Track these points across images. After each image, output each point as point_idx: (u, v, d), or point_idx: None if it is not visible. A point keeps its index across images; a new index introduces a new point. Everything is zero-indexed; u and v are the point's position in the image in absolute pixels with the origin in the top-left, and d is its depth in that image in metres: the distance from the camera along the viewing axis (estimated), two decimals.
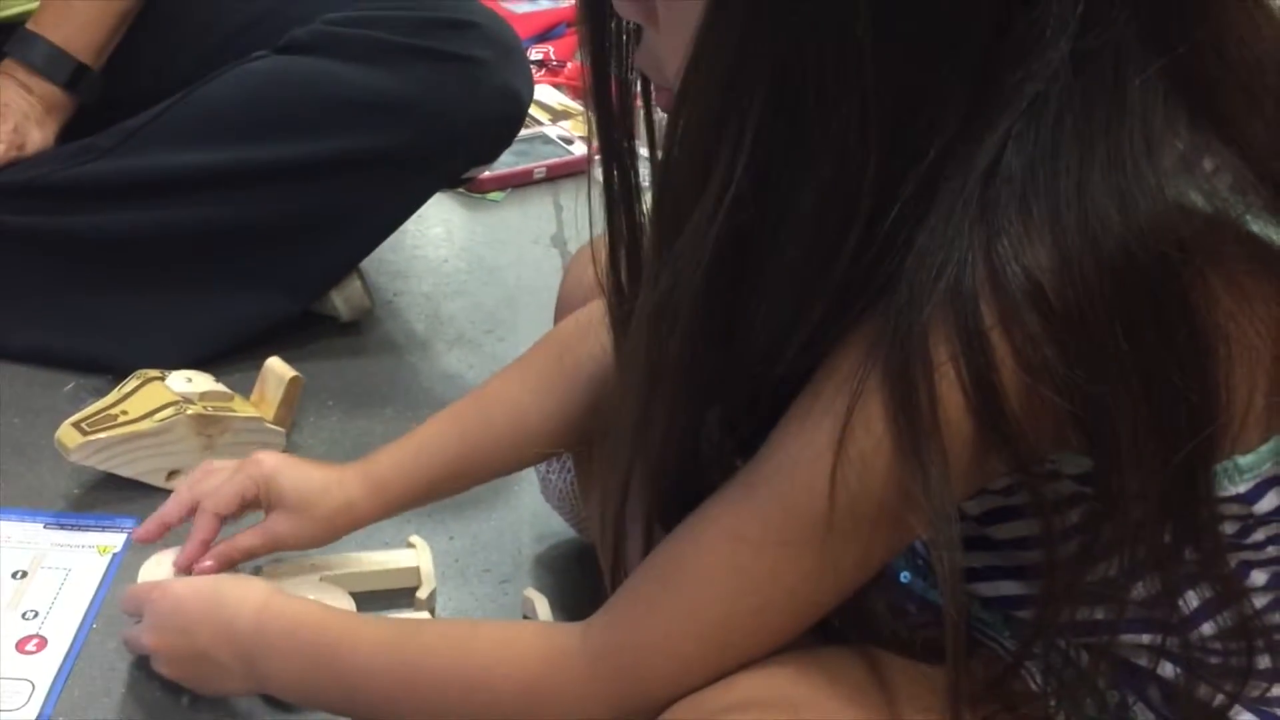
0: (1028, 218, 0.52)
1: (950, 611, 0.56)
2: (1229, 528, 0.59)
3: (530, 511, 1.14)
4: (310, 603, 0.82)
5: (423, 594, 0.99)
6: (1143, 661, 0.65)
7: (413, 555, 1.03)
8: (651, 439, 0.63)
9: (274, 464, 0.90)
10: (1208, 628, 0.61)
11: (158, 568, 0.93)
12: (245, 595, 0.80)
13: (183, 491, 0.93)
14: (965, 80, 0.53)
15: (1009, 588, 0.68)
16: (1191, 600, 0.60)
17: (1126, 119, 0.52)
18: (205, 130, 1.21)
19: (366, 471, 0.90)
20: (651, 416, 0.63)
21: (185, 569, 0.90)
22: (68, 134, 1.26)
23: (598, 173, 0.69)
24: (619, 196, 0.68)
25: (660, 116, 0.67)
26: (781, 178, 0.54)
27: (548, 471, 1.04)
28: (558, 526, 1.12)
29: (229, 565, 0.90)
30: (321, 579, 0.97)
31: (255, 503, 0.90)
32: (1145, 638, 0.63)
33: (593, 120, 0.67)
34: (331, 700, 0.77)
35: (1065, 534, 0.58)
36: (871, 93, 0.51)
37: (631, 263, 0.69)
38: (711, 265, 0.56)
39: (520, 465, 0.97)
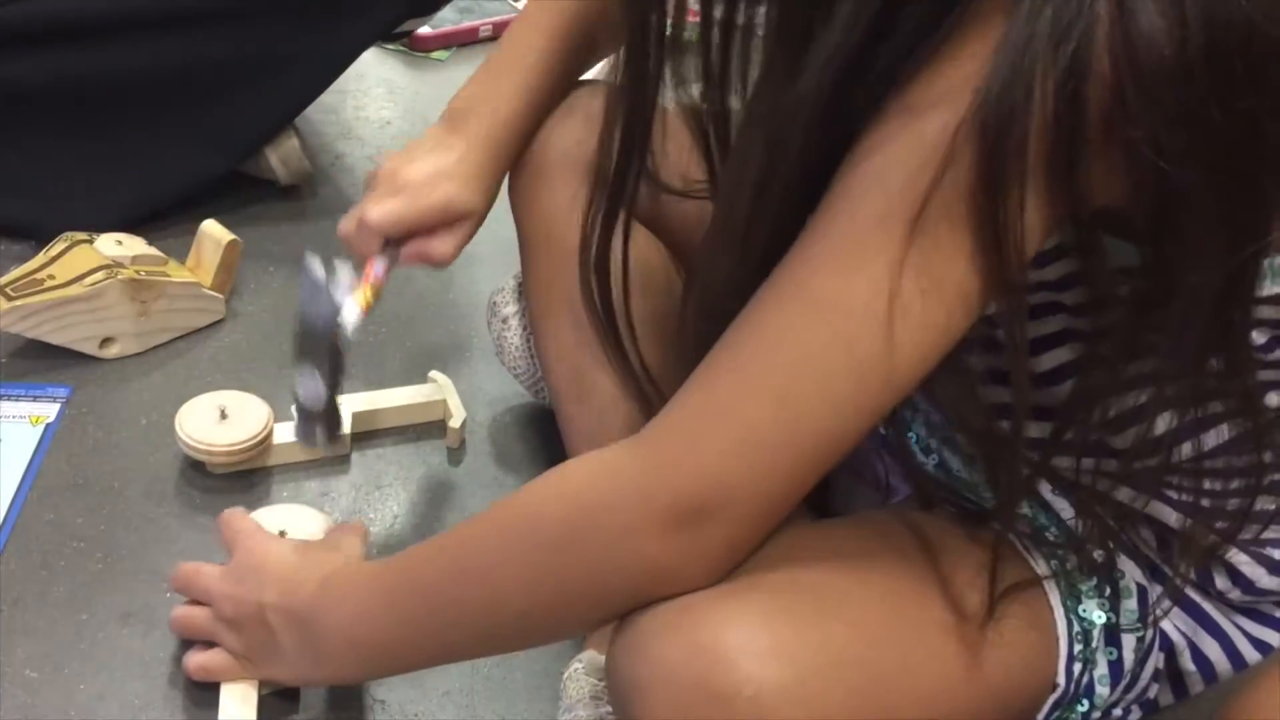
0: None
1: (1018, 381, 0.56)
2: (1258, 337, 0.58)
3: (483, 376, 1.11)
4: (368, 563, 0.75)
5: (454, 423, 1.02)
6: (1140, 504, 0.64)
7: (438, 389, 1.06)
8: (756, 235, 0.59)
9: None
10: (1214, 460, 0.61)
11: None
12: (319, 563, 0.74)
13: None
14: None
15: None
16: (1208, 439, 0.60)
17: None
18: None
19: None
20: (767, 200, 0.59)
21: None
22: None
23: None
24: None
25: None
26: None
27: (503, 330, 1.01)
28: (510, 391, 1.09)
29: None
30: (353, 412, 1.01)
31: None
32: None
33: None
34: (394, 640, 0.68)
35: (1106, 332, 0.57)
36: None
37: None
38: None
39: None
